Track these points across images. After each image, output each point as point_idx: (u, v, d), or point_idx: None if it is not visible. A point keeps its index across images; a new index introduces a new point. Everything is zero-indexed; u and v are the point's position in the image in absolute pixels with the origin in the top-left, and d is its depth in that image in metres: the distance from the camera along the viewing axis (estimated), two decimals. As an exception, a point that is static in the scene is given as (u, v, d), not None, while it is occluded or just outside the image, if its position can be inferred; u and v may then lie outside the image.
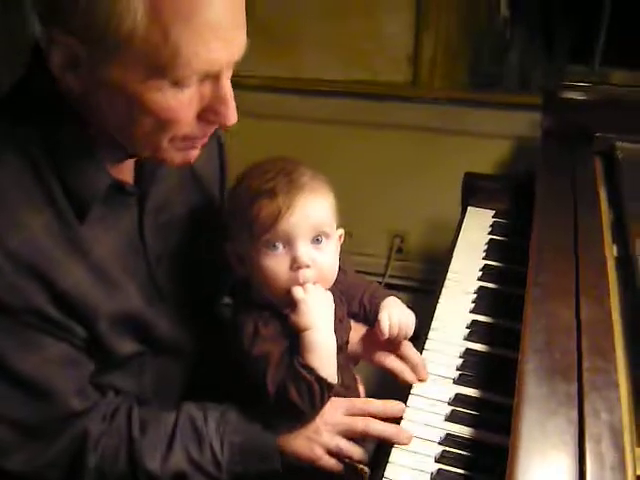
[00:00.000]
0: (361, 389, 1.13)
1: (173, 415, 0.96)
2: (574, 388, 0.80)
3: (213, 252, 1.05)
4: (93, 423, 0.91)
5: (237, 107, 0.84)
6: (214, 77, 0.79)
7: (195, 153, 0.89)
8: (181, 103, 0.79)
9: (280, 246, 0.94)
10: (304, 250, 0.94)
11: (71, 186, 0.86)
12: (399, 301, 1.11)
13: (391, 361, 1.10)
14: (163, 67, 0.74)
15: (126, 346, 0.96)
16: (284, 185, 0.94)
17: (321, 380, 0.92)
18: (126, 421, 0.94)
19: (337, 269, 1.01)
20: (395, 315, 1.05)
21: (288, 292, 0.94)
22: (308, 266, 0.94)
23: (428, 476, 0.95)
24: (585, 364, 0.83)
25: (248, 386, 0.97)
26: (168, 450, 0.92)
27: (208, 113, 0.82)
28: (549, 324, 0.91)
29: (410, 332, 1.08)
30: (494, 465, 0.97)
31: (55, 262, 0.84)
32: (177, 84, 0.77)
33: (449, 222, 2.21)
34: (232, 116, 0.83)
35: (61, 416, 0.89)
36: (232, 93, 0.82)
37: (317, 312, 0.94)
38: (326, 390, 0.94)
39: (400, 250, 2.48)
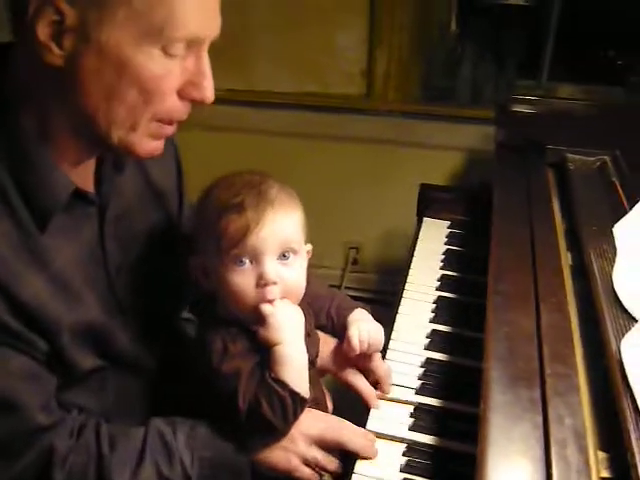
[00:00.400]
0: (329, 404, 1.13)
1: (142, 430, 0.94)
2: (537, 394, 0.82)
3: (173, 266, 1.04)
4: (59, 439, 0.89)
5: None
6: (197, 50, 0.83)
7: (162, 145, 0.90)
8: (167, 72, 0.81)
9: (247, 261, 0.93)
10: (271, 266, 0.93)
11: (31, 195, 0.84)
12: (366, 313, 1.11)
13: (358, 381, 1.10)
14: (157, 28, 0.76)
15: (87, 360, 0.94)
16: (253, 199, 0.93)
17: (294, 394, 0.91)
18: (94, 437, 0.92)
19: (304, 285, 1.00)
20: (364, 330, 1.05)
21: (255, 308, 0.93)
22: (275, 282, 0.93)
23: (394, 486, 0.96)
24: (547, 370, 0.85)
25: (217, 402, 0.95)
26: (138, 466, 0.91)
27: (189, 88, 0.84)
28: (510, 332, 0.92)
29: (380, 346, 1.07)
30: (459, 472, 0.99)
31: (15, 272, 0.83)
32: (166, 51, 0.79)
33: (403, 233, 2.24)
34: (210, 90, 0.85)
35: (27, 431, 0.87)
36: (210, 69, 0.85)
37: (287, 326, 0.93)
38: (299, 404, 0.93)
39: (355, 261, 2.49)
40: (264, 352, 0.93)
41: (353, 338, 1.03)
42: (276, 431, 0.95)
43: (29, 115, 0.84)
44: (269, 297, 0.93)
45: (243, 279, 0.93)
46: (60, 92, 0.81)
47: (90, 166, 0.94)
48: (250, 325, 0.95)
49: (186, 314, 1.23)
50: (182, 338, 1.18)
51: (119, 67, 0.78)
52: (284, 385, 0.91)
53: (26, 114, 0.83)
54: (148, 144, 0.87)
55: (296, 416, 0.94)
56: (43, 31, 0.75)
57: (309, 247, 1.02)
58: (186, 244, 1.01)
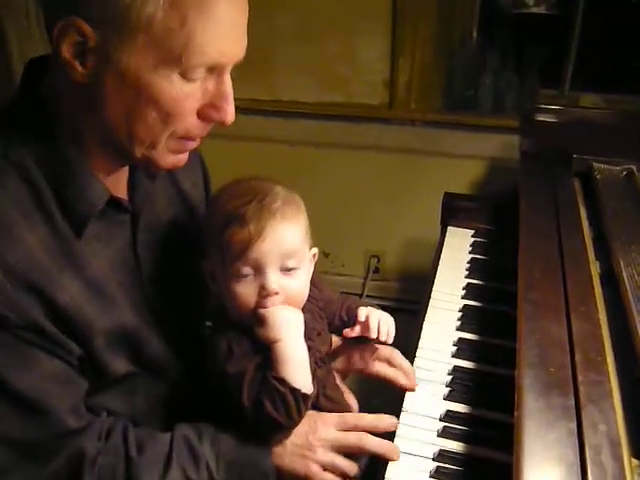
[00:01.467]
0: (353, 402, 1.14)
1: (168, 435, 0.96)
2: (571, 401, 0.82)
3: (198, 271, 1.05)
4: (89, 442, 0.90)
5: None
6: (218, 73, 0.83)
7: (184, 157, 0.91)
8: (187, 95, 0.81)
9: (250, 273, 0.94)
10: (273, 278, 0.94)
11: (68, 202, 0.87)
12: (376, 309, 1.12)
13: (384, 368, 1.12)
14: (176, 54, 0.77)
15: (119, 365, 0.95)
16: (256, 211, 0.93)
17: (294, 391, 0.93)
18: (122, 440, 0.93)
19: (307, 293, 1.02)
20: (374, 312, 1.07)
21: (256, 313, 0.95)
22: (277, 293, 0.95)
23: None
24: (580, 377, 0.85)
25: (231, 404, 0.96)
26: (165, 469, 0.92)
27: (209, 109, 0.85)
28: (542, 340, 0.93)
29: (392, 330, 1.08)
30: (490, 477, 0.99)
31: (51, 277, 0.85)
32: (185, 76, 0.80)
33: (425, 242, 2.25)
34: (231, 113, 0.86)
35: (57, 434, 0.88)
36: (232, 91, 0.85)
37: (284, 324, 0.95)
38: (301, 400, 0.94)
39: (377, 270, 2.50)
40: (267, 353, 0.95)
41: (361, 313, 1.06)
42: (282, 430, 0.96)
43: (65, 124, 0.86)
44: (270, 307, 0.95)
45: (245, 289, 0.95)
46: (87, 106, 0.84)
47: (123, 174, 0.97)
48: (253, 328, 0.97)
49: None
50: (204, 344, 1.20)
51: (138, 89, 0.79)
52: (284, 382, 0.92)
53: (62, 123, 0.86)
54: (170, 158, 0.89)
55: (300, 412, 0.95)
56: (67, 50, 0.77)
57: (314, 251, 1.04)
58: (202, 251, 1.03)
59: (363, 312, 1.07)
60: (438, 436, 1.07)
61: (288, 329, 0.95)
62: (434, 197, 1.75)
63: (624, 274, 1.03)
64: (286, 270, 0.96)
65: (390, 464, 1.01)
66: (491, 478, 0.99)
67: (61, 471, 0.89)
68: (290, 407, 0.93)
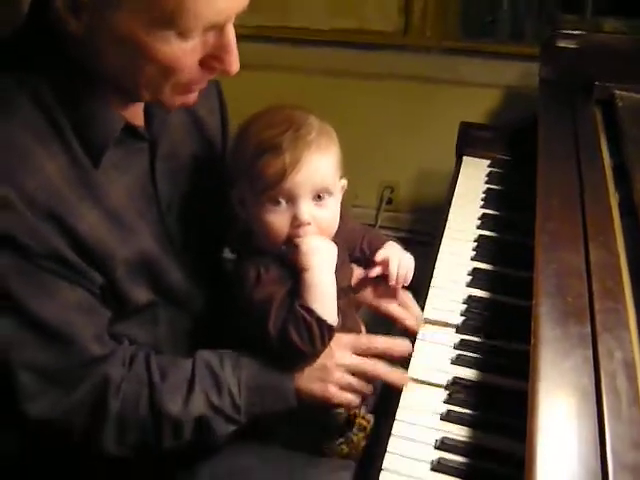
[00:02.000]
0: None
1: (190, 361, 0.97)
2: (587, 329, 0.83)
3: (219, 201, 1.05)
4: (113, 368, 0.92)
5: None
6: (219, 28, 0.80)
7: (194, 97, 0.91)
8: (185, 52, 0.79)
9: (283, 202, 0.95)
10: (306, 208, 0.95)
11: (85, 130, 0.86)
12: (398, 246, 1.13)
13: (394, 308, 1.13)
14: (168, 17, 0.75)
15: (140, 294, 0.96)
16: (291, 141, 0.93)
17: (320, 321, 0.94)
18: (145, 367, 0.95)
19: (337, 223, 1.02)
20: (395, 255, 1.08)
21: (287, 244, 0.96)
22: (309, 223, 0.96)
23: (439, 415, 0.98)
24: (596, 306, 0.86)
25: (254, 333, 0.98)
26: (188, 394, 0.94)
27: (211, 60, 0.83)
28: (559, 269, 0.93)
29: (410, 273, 1.10)
30: (503, 405, 1.01)
31: (71, 206, 0.85)
32: (182, 36, 0.77)
33: (439, 173, 2.22)
34: (235, 64, 0.84)
35: (82, 362, 0.90)
36: (235, 41, 0.83)
37: (316, 253, 0.95)
38: (326, 331, 0.95)
39: (390, 201, 2.49)
40: (296, 281, 0.96)
41: (380, 254, 1.07)
42: (305, 358, 0.98)
43: (73, 57, 0.84)
44: (302, 237, 0.96)
45: (278, 219, 0.95)
46: (87, 53, 0.82)
47: (139, 104, 0.95)
48: (283, 257, 0.97)
49: (228, 255, 1.26)
50: (225, 275, 1.20)
51: (134, 48, 0.78)
52: (311, 312, 0.93)
53: (72, 55, 0.84)
54: (178, 99, 0.88)
55: (324, 342, 0.96)
56: (60, 2, 0.76)
57: (344, 182, 1.04)
58: (228, 178, 1.02)
59: (382, 255, 1.08)
60: (452, 364, 1.08)
61: (320, 259, 0.96)
62: (450, 127, 1.71)
63: (644, 203, 1.01)
64: (318, 200, 0.96)
65: (403, 395, 1.03)
66: (504, 405, 1.01)
67: (86, 398, 0.91)
68: (314, 337, 0.94)
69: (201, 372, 0.96)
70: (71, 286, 0.87)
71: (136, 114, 0.95)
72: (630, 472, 0.66)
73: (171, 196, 1.01)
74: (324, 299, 0.95)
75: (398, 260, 1.08)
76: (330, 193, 0.97)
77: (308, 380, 0.99)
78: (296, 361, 0.99)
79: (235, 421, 0.96)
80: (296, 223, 0.95)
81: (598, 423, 0.71)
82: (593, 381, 0.76)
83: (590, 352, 0.79)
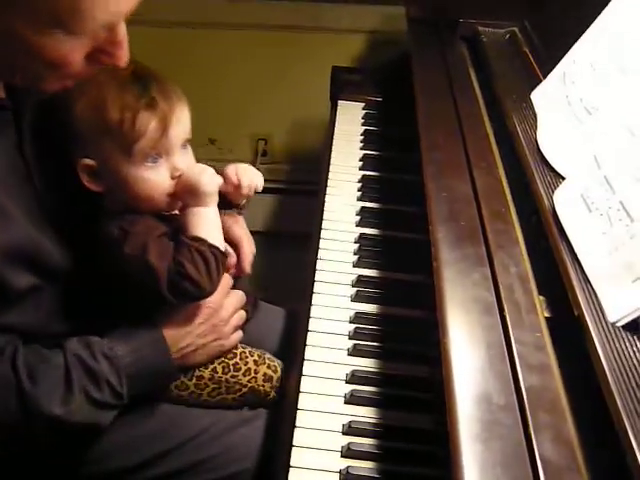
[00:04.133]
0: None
1: (60, 356, 0.92)
2: (482, 249, 0.88)
3: None
4: None
5: None
6: (112, 25, 0.76)
7: (72, 82, 0.84)
8: (74, 49, 0.75)
9: (161, 158, 0.95)
10: (181, 158, 0.97)
11: None
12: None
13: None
14: (59, 19, 0.70)
15: (21, 279, 0.90)
16: (161, 96, 0.93)
17: (214, 247, 0.95)
18: (10, 368, 0.89)
19: None
20: (241, 166, 1.11)
21: (169, 197, 0.97)
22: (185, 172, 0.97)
23: (346, 351, 1.01)
24: (488, 227, 0.91)
25: (139, 296, 0.96)
26: (67, 395, 0.89)
27: (100, 54, 0.79)
28: (449, 196, 0.97)
29: (259, 182, 1.12)
30: (406, 332, 1.05)
31: None
32: (72, 33, 0.72)
33: (312, 121, 2.23)
34: (125, 57, 0.80)
35: None
36: (126, 35, 0.79)
37: (210, 186, 0.96)
38: (220, 258, 0.96)
39: (265, 153, 2.47)
40: (168, 225, 0.97)
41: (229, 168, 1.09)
42: (202, 293, 0.97)
43: None
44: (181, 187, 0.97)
45: (157, 174, 0.95)
46: None
47: None
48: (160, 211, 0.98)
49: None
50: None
51: (18, 44, 0.72)
52: (203, 241, 0.95)
53: None
54: (56, 85, 0.82)
55: (219, 272, 0.97)
56: None
57: None
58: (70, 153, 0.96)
59: (229, 167, 1.09)
60: (352, 301, 1.11)
61: (212, 191, 0.97)
62: (319, 74, 1.72)
63: (518, 130, 1.07)
64: (184, 149, 0.98)
65: (309, 335, 1.04)
66: (407, 332, 1.05)
67: None
68: (210, 266, 0.94)
69: (75, 369, 0.91)
70: None
71: None
72: (537, 372, 0.71)
73: (43, 170, 0.94)
74: (212, 228, 0.97)
75: (243, 170, 1.10)
76: (189, 140, 0.99)
77: (202, 351, 1.03)
78: (191, 301, 1.00)
79: (118, 406, 0.95)
80: (176, 174, 0.96)
81: (503, 331, 0.76)
82: (494, 294, 0.80)
83: (488, 269, 0.84)
